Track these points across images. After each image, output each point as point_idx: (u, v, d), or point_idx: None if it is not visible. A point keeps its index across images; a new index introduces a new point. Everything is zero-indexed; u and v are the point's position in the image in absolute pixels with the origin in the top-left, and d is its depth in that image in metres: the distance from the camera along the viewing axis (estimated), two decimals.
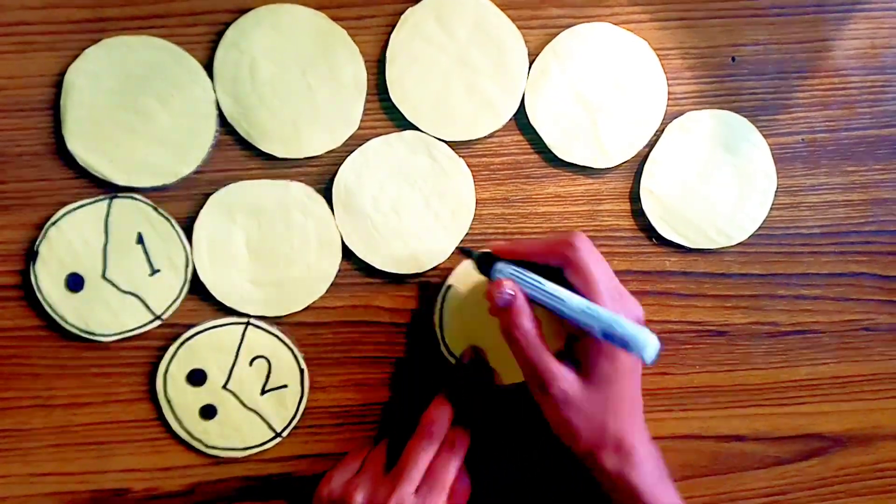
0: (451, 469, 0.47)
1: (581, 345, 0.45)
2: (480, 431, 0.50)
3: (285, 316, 0.51)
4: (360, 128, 0.51)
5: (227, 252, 0.51)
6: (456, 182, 0.52)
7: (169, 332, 0.51)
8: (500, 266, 0.46)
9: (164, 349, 0.50)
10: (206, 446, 0.51)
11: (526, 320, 0.44)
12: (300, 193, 0.51)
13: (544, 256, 0.45)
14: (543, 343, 0.44)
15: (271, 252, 0.51)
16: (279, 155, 0.51)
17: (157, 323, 0.50)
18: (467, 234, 0.52)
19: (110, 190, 0.50)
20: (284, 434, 0.51)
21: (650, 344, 0.40)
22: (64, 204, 0.50)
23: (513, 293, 0.44)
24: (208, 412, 0.51)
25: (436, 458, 0.47)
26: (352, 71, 0.51)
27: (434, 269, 0.52)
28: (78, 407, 0.51)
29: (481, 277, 0.48)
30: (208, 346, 0.51)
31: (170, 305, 0.50)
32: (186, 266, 0.50)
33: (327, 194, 0.51)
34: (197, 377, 0.51)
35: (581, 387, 0.44)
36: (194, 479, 0.52)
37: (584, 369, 0.45)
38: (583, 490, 0.53)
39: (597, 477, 0.46)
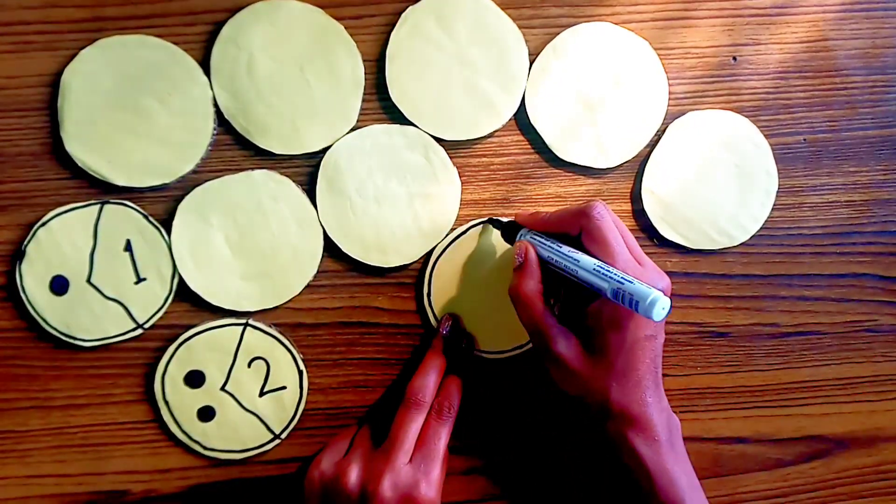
0: (443, 436, 0.47)
1: (592, 314, 0.45)
2: (470, 399, 0.50)
3: (283, 307, 0.51)
4: (357, 124, 0.51)
5: (210, 255, 0.50)
6: (444, 190, 0.52)
7: (167, 334, 0.51)
8: (522, 232, 0.48)
9: (162, 350, 0.50)
10: (205, 448, 0.51)
11: (532, 281, 0.45)
12: (265, 179, 0.51)
13: (561, 226, 0.46)
14: (547, 307, 0.46)
15: (254, 244, 0.51)
16: (277, 151, 0.51)
17: (139, 332, 0.50)
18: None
19: (109, 190, 0.50)
20: (283, 436, 0.51)
21: (658, 302, 0.40)
22: (61, 205, 0.49)
23: (522, 257, 0.46)
24: (206, 414, 0.50)
25: (425, 426, 0.47)
26: (349, 66, 0.51)
27: (398, 268, 0.52)
28: (76, 409, 0.51)
29: (470, 248, 0.51)
30: (207, 347, 0.50)
31: (152, 315, 0.50)
32: (173, 277, 0.50)
33: None
34: (195, 378, 0.50)
35: (581, 353, 0.45)
36: (192, 482, 0.51)
37: (590, 338, 0.45)
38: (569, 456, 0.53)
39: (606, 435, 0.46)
